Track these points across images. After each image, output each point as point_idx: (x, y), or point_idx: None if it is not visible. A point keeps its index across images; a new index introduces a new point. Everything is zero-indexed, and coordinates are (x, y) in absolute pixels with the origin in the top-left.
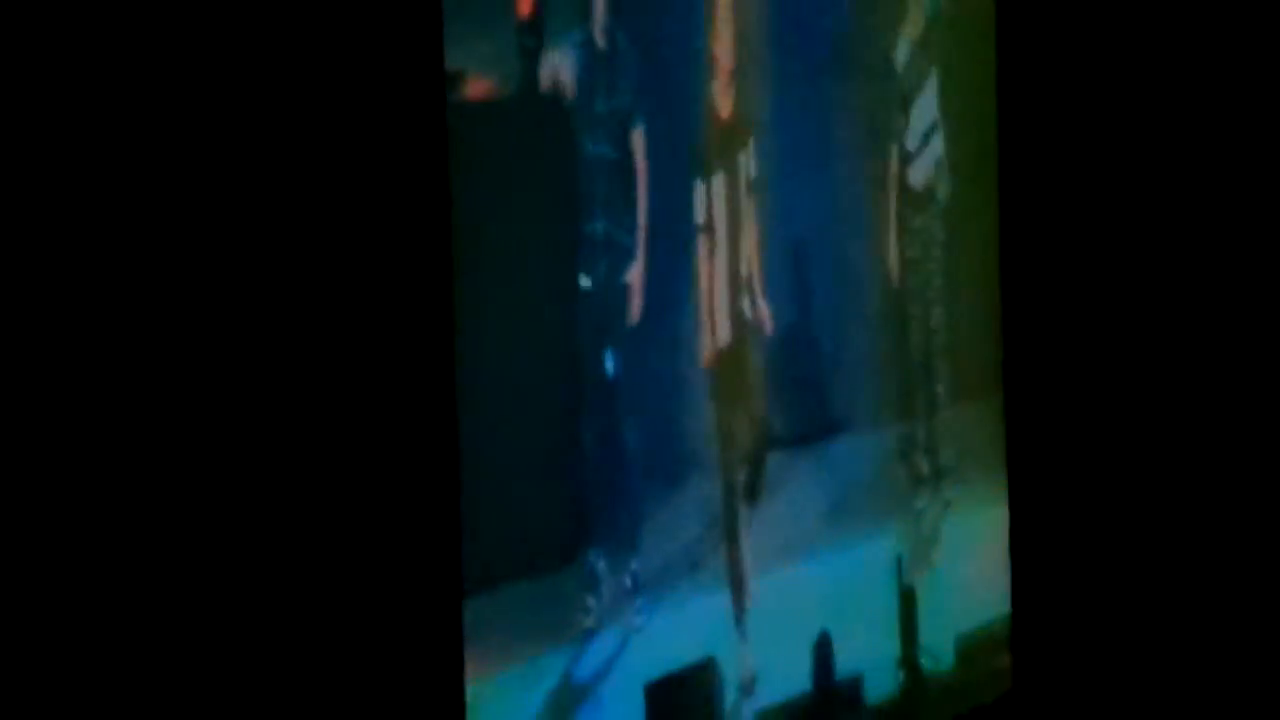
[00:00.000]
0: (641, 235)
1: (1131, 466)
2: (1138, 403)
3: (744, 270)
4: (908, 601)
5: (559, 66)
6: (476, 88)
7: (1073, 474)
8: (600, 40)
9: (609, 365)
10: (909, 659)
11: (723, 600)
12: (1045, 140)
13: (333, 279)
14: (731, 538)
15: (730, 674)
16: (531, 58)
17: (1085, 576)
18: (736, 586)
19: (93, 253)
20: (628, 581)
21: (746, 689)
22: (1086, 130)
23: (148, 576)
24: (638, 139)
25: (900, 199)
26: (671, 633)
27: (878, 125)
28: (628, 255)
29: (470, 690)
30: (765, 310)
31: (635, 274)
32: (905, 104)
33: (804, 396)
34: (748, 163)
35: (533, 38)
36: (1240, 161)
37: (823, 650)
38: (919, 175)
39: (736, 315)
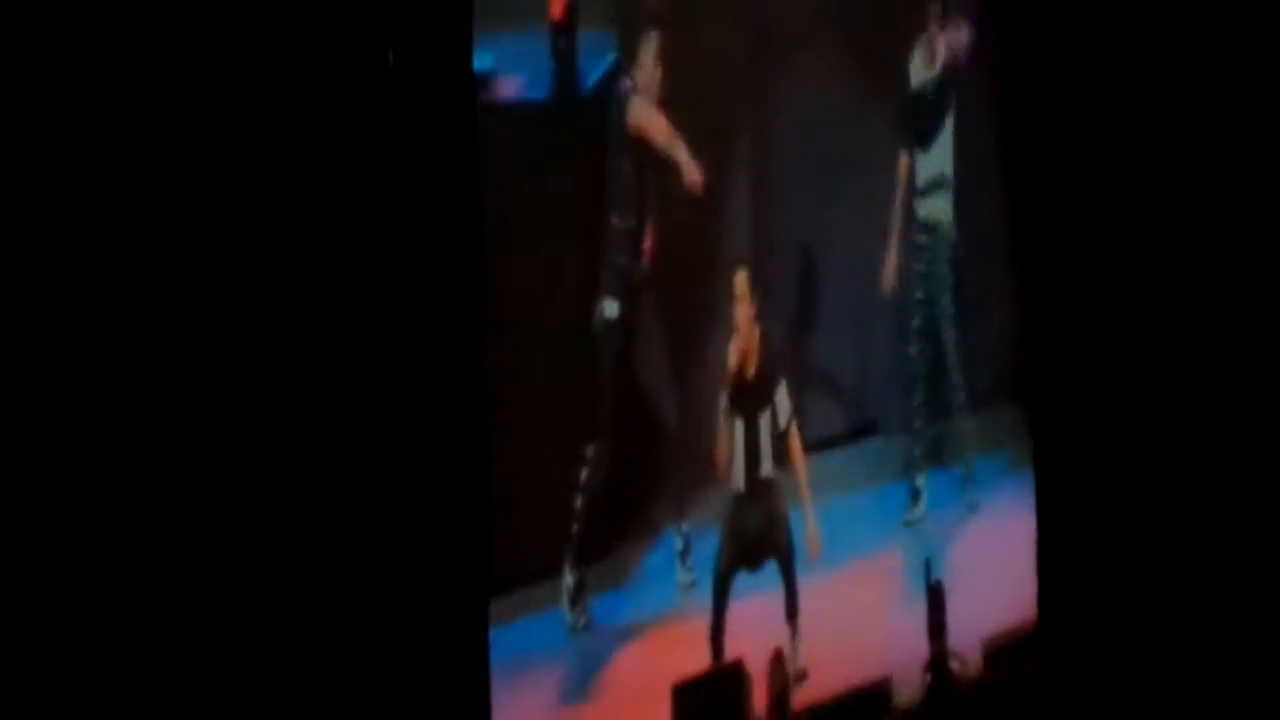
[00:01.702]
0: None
1: (1159, 472)
2: (1164, 408)
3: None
4: (935, 605)
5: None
6: (507, 89)
7: (1100, 479)
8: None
9: (627, 374)
10: (937, 662)
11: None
12: (1061, 149)
13: (361, 286)
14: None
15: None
16: (563, 60)
17: (1111, 582)
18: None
19: (123, 259)
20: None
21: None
22: (1103, 141)
23: (167, 584)
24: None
25: (907, 207)
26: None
27: (887, 138)
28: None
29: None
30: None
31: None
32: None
33: (828, 401)
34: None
35: (564, 39)
36: (1259, 174)
37: None
38: (926, 174)
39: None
